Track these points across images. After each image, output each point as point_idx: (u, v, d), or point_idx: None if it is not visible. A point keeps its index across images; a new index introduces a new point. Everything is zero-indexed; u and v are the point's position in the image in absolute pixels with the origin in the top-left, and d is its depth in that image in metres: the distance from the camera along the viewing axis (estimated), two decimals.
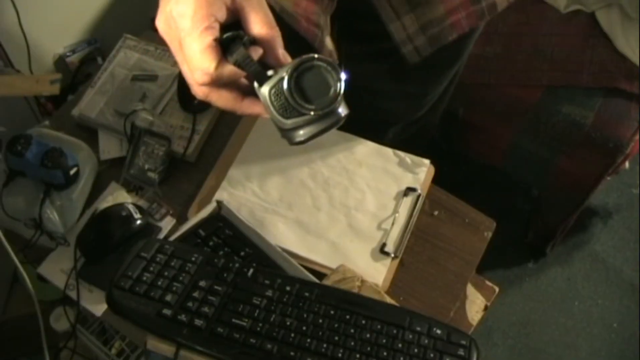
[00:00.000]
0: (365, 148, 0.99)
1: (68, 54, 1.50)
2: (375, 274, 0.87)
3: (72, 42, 1.52)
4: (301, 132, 0.55)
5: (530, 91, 1.40)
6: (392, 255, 0.89)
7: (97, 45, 1.55)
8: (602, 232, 1.80)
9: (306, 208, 0.93)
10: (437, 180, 0.97)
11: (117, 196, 0.95)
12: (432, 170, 0.97)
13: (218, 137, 1.02)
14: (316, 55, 0.54)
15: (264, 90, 0.54)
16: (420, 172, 0.96)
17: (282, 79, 0.53)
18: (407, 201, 0.94)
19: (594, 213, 1.82)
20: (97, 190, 0.96)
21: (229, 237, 0.86)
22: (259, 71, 0.54)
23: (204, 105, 1.02)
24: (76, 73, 1.52)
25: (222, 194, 0.94)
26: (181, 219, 0.93)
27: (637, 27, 1.38)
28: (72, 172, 0.92)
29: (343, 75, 0.54)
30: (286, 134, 0.56)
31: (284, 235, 0.91)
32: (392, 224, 0.91)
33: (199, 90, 0.56)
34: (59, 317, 0.90)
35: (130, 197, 0.95)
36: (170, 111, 1.02)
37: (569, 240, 1.78)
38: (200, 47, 0.52)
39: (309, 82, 0.53)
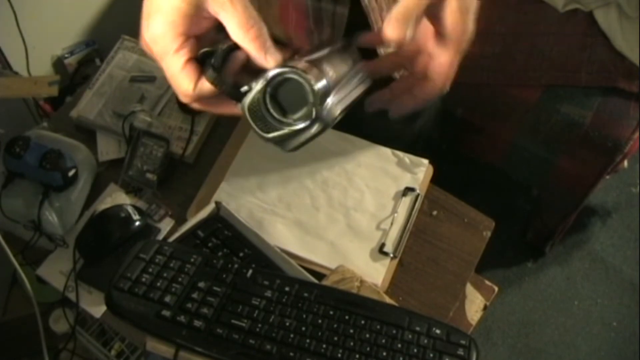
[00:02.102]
0: (364, 148, 0.99)
1: (66, 55, 1.50)
2: (375, 274, 0.87)
3: (70, 44, 1.52)
4: (289, 142, 0.53)
5: (529, 91, 1.40)
6: (391, 255, 0.89)
7: (95, 46, 1.55)
8: (602, 231, 1.80)
9: (305, 208, 0.93)
10: (436, 180, 0.97)
11: (115, 197, 0.94)
12: (431, 170, 0.97)
13: (216, 138, 1.02)
14: (287, 68, 0.50)
15: (241, 107, 0.52)
16: (419, 172, 0.96)
17: (257, 95, 0.50)
18: (406, 201, 0.94)
19: (593, 212, 1.82)
20: (95, 191, 0.96)
21: (227, 238, 0.86)
22: (232, 90, 0.51)
23: None
24: (74, 74, 1.52)
25: (220, 195, 0.94)
26: (180, 220, 0.93)
27: (635, 26, 1.37)
28: (70, 173, 0.92)
29: (320, 83, 0.51)
30: (275, 144, 0.54)
31: (283, 235, 0.91)
32: (391, 224, 0.91)
33: (191, 105, 0.55)
34: (58, 318, 0.90)
35: (129, 199, 0.95)
36: (169, 112, 1.02)
37: (568, 240, 1.78)
38: (175, 70, 0.51)
39: (285, 95, 0.51)
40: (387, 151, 0.99)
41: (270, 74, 0.50)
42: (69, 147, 0.95)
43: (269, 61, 0.51)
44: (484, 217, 0.94)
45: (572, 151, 1.39)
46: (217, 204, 0.89)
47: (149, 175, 0.96)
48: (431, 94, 0.58)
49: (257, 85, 0.50)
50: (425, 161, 0.97)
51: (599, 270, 1.74)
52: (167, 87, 1.03)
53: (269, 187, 0.95)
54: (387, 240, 0.90)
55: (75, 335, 0.88)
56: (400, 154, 0.98)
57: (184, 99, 0.53)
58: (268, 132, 0.52)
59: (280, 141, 0.53)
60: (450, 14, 0.53)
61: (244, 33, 0.49)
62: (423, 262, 0.90)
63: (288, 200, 0.94)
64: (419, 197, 0.94)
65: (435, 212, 0.95)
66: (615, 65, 1.38)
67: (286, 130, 0.52)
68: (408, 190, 0.94)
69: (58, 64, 1.51)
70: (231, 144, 1.00)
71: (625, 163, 1.44)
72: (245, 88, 0.51)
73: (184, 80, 0.51)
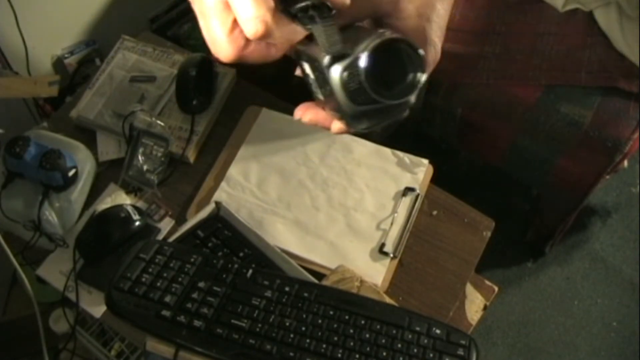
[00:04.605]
0: (364, 148, 0.99)
1: (66, 55, 1.50)
2: (375, 274, 0.87)
3: (70, 44, 1.52)
4: (366, 120, 0.48)
5: (529, 90, 1.40)
6: (391, 255, 0.89)
7: (95, 46, 1.55)
8: (602, 231, 1.80)
9: (305, 208, 0.93)
10: (436, 180, 0.97)
11: (115, 197, 0.95)
12: (431, 170, 0.97)
13: (216, 137, 1.02)
14: (397, 36, 0.45)
15: (336, 70, 0.46)
16: (419, 171, 0.96)
17: (357, 59, 0.45)
18: (406, 201, 0.94)
19: (593, 212, 1.82)
20: (95, 191, 0.96)
21: (227, 238, 0.86)
22: (336, 46, 0.45)
23: (203, 106, 1.02)
24: (74, 75, 1.52)
25: (220, 195, 0.94)
26: (180, 220, 0.93)
27: (635, 26, 1.37)
28: (70, 173, 0.92)
29: (425, 62, 0.46)
30: (349, 120, 0.49)
31: (283, 235, 0.91)
32: (391, 224, 0.91)
33: (233, 43, 0.46)
34: (58, 318, 0.90)
35: (129, 199, 0.95)
36: (169, 112, 1.02)
37: (568, 240, 1.78)
38: (222, 32, 0.45)
39: (387, 66, 0.45)
40: (387, 151, 0.98)
41: (380, 38, 0.45)
42: (69, 147, 0.95)
43: (361, 32, 0.46)
44: (484, 217, 0.94)
45: (572, 151, 1.39)
46: (217, 203, 0.89)
47: (149, 175, 0.96)
48: None
49: (362, 46, 0.45)
50: (425, 161, 0.97)
51: (599, 270, 1.74)
52: (167, 87, 1.03)
53: (269, 186, 0.95)
54: (387, 240, 0.90)
55: (75, 335, 0.88)
56: (400, 154, 0.98)
57: (253, 27, 0.43)
58: (359, 104, 0.47)
59: (361, 117, 0.48)
60: (406, 19, 0.49)
61: None
62: (423, 262, 0.90)
63: (288, 200, 0.94)
64: (419, 197, 0.94)
65: (435, 212, 0.95)
66: (615, 65, 1.38)
67: (379, 104, 0.46)
68: (408, 190, 0.94)
69: (58, 64, 1.50)
70: (231, 143, 1.00)
71: (625, 163, 1.44)
72: (342, 52, 0.46)
73: (260, 7, 0.43)
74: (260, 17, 0.43)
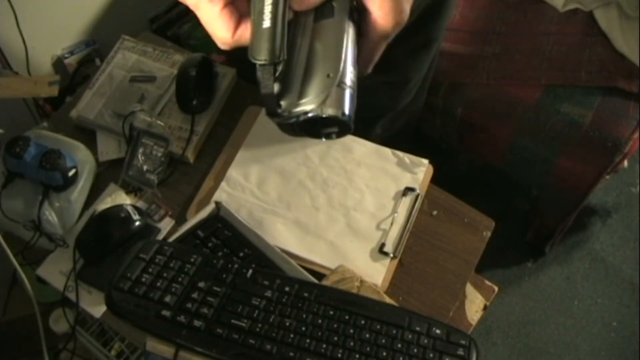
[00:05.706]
0: (364, 148, 0.99)
1: (66, 55, 1.50)
2: (375, 274, 0.87)
3: (70, 44, 1.52)
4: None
5: (529, 90, 1.40)
6: (391, 255, 0.89)
7: (95, 46, 1.55)
8: (602, 231, 1.80)
9: (305, 208, 0.93)
10: (436, 180, 0.97)
11: (115, 197, 0.95)
12: (431, 170, 0.97)
13: (216, 137, 1.02)
14: (330, 114, 0.50)
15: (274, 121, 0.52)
16: (419, 171, 0.96)
17: (290, 121, 0.50)
18: (406, 201, 0.94)
19: (593, 212, 1.82)
20: (95, 191, 0.96)
21: (227, 238, 0.86)
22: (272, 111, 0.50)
23: (203, 106, 1.02)
24: (74, 74, 1.52)
25: (220, 195, 0.94)
26: (180, 220, 0.93)
27: (635, 26, 1.38)
28: (70, 173, 0.92)
29: (347, 106, 0.50)
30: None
31: (283, 235, 0.91)
32: (391, 224, 0.91)
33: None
34: (58, 318, 0.90)
35: (129, 199, 0.95)
36: (169, 112, 1.02)
37: (568, 240, 1.78)
38: (210, 17, 0.49)
39: (317, 124, 0.51)
40: (387, 151, 0.98)
41: (309, 114, 0.49)
42: (69, 147, 0.95)
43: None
44: (484, 217, 0.94)
45: (572, 151, 1.39)
46: (217, 203, 0.89)
47: (149, 175, 0.96)
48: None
49: (292, 118, 0.50)
50: (425, 161, 0.97)
51: (599, 270, 1.74)
52: (167, 87, 1.03)
53: (269, 187, 0.95)
54: (387, 240, 0.90)
55: (75, 335, 0.89)
56: (400, 154, 0.98)
57: (222, 47, 0.51)
58: (295, 134, 0.53)
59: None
60: None
61: None
62: (423, 262, 0.90)
63: (288, 200, 0.94)
64: (419, 197, 0.94)
65: (435, 212, 0.95)
66: (615, 65, 1.38)
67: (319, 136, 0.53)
68: (408, 190, 0.94)
69: (58, 64, 1.51)
70: (231, 143, 1.00)
71: (625, 163, 1.44)
72: (282, 112, 0.50)
73: (221, 28, 0.49)
74: (221, 41, 0.50)
